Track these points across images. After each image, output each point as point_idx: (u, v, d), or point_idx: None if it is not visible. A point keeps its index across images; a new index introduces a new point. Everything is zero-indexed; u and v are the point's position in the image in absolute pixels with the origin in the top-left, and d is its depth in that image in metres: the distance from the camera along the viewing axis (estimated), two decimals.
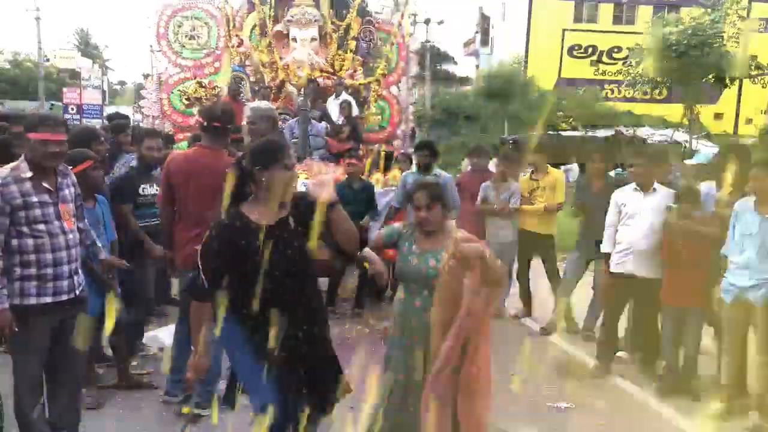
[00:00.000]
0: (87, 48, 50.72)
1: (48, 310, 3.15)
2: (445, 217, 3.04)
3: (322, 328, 2.77)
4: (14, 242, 3.05)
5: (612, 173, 5.72)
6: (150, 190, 4.85)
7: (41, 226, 3.11)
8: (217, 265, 2.51)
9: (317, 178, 2.58)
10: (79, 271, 3.33)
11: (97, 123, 18.98)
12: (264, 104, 5.24)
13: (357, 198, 6.20)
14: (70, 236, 3.24)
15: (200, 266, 2.54)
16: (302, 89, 8.55)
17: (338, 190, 5.97)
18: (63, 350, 3.29)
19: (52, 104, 28.40)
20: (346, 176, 6.26)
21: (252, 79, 9.23)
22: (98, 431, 3.79)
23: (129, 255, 4.32)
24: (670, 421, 4.20)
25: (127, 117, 7.27)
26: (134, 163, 5.12)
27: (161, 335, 5.21)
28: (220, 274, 2.51)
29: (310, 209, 2.57)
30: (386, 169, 7.95)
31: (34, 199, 3.10)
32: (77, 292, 3.28)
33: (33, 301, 3.10)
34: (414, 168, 6.58)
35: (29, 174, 3.10)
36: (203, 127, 4.03)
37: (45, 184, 3.15)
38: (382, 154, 8.04)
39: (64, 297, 3.20)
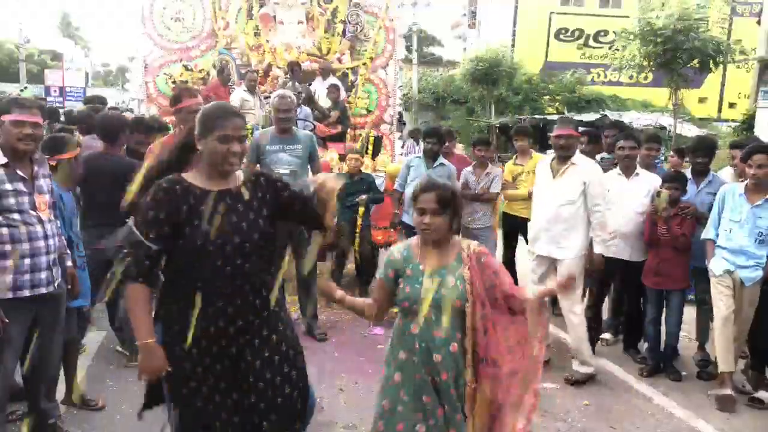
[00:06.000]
0: (68, 29, 49.75)
1: (25, 304, 3.01)
2: (452, 228, 2.54)
3: (280, 332, 2.34)
4: None
5: (598, 157, 5.77)
6: None
7: (15, 215, 2.94)
8: (158, 224, 2.16)
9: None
10: (57, 263, 3.18)
11: (77, 106, 18.66)
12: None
13: (357, 188, 6.24)
14: (48, 226, 3.08)
15: (137, 233, 2.16)
16: (288, 74, 8.51)
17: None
18: (40, 344, 3.16)
19: (25, 87, 25.50)
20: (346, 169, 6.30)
21: (238, 62, 9.17)
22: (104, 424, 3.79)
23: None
24: (651, 400, 4.31)
25: (104, 99, 7.10)
26: None
27: None
28: (160, 235, 2.15)
29: (271, 186, 2.37)
30: (375, 154, 7.92)
31: (8, 187, 2.93)
32: (55, 286, 3.14)
33: (9, 295, 2.93)
34: (420, 154, 6.24)
35: (3, 161, 2.94)
36: None
37: (20, 173, 2.99)
38: (371, 138, 8.00)
39: (43, 290, 3.06)
